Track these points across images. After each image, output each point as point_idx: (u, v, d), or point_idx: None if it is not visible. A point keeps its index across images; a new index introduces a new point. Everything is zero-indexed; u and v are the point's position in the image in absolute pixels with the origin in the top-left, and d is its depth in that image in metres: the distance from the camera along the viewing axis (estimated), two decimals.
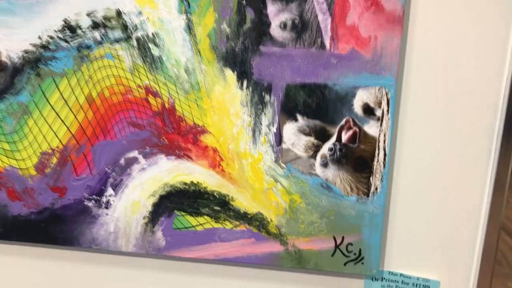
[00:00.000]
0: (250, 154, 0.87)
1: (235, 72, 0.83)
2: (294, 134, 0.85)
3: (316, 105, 0.83)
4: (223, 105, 0.85)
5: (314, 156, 0.85)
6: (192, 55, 0.83)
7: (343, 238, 0.89)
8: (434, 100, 0.82)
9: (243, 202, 0.90)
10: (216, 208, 0.91)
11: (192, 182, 0.90)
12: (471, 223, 0.87)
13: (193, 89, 0.84)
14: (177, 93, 0.86)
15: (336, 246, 0.89)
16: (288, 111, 0.83)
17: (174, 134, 0.87)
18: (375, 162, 0.84)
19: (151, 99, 0.86)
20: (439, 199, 0.87)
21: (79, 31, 0.86)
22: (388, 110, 0.81)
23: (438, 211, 0.88)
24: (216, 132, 0.86)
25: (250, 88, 0.83)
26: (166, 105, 0.86)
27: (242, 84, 0.83)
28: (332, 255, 0.90)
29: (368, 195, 0.85)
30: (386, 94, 0.80)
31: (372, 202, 0.86)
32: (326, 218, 0.89)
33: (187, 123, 0.87)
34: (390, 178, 0.86)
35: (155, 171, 0.90)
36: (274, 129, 0.85)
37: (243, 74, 0.83)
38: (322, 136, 0.85)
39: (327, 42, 0.79)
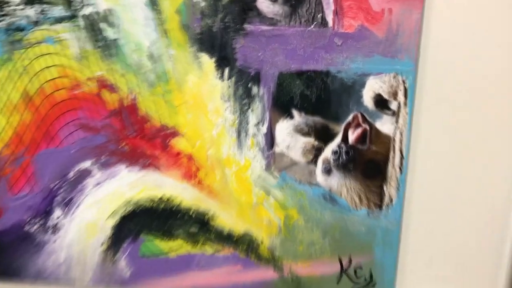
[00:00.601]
0: (235, 161, 0.76)
1: (214, 58, 0.71)
2: (290, 135, 0.74)
3: (316, 98, 0.72)
4: (199, 100, 0.73)
5: (314, 161, 0.75)
6: (157, 38, 0.71)
7: (350, 260, 0.78)
8: (461, 90, 0.71)
9: (227, 220, 0.78)
10: (193, 229, 0.79)
11: (161, 198, 0.78)
12: (497, 237, 0.77)
13: (160, 80, 0.72)
14: (139, 86, 0.73)
15: (343, 270, 0.79)
16: (281, 106, 0.73)
17: (136, 138, 0.75)
18: (389, 167, 0.73)
19: (105, 94, 0.73)
20: (463, 211, 0.77)
21: (7, 8, 0.71)
22: (405, 103, 0.70)
23: (461, 224, 0.78)
24: (191, 134, 0.75)
25: (233, 78, 0.72)
26: (125, 102, 0.74)
27: (222, 74, 0.72)
28: (338, 281, 0.79)
29: (381, 208, 0.75)
30: (404, 83, 0.69)
31: (386, 216, 0.75)
32: (330, 237, 0.78)
33: (153, 124, 0.75)
34: (408, 186, 0.76)
35: (114, 185, 0.77)
36: (264, 129, 0.74)
37: (224, 60, 0.71)
38: (324, 136, 0.74)
39: (330, 18, 0.68)
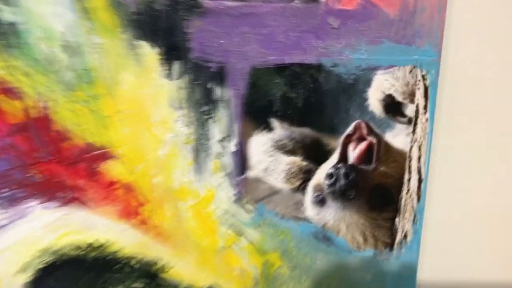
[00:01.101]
0: (191, 191, 0.67)
1: (157, 49, 0.61)
2: (268, 154, 0.68)
3: (304, 102, 0.65)
4: (139, 108, 0.62)
5: (302, 188, 0.69)
6: (75, 20, 0.59)
7: None
8: (500, 89, 0.62)
9: (183, 271, 0.70)
10: (138, 284, 0.69)
11: (92, 244, 0.67)
12: None
13: (81, 81, 0.60)
14: (52, 90, 0.61)
15: None
16: (255, 115, 0.66)
17: (52, 163, 0.63)
18: (403, 194, 0.66)
19: (4, 103, 0.62)
20: (494, 250, 0.70)
21: None
22: (426, 106, 0.62)
23: (492, 268, 0.70)
24: (129, 156, 0.64)
25: (187, 77, 0.62)
26: (33, 113, 0.62)
27: (170, 70, 0.62)
28: None
29: (392, 248, 0.68)
30: (423, 79, 0.62)
31: (398, 258, 0.69)
32: None
33: (75, 144, 0.63)
34: (427, 218, 0.69)
35: (24, 229, 0.66)
36: (232, 146, 0.66)
37: (172, 51, 0.61)
38: (315, 154, 0.69)
39: None
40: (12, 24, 0.57)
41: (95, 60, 0.61)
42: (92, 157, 0.64)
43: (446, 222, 0.69)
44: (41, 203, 0.66)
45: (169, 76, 0.62)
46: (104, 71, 0.61)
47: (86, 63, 0.61)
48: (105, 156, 0.64)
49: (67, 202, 0.66)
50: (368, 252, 0.69)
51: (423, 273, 0.71)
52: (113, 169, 0.65)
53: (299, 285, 0.69)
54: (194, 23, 0.59)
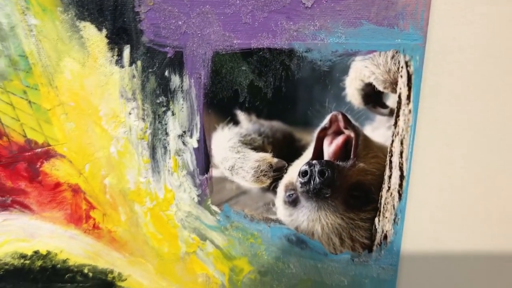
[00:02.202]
0: (149, 193, 0.64)
1: (104, 31, 0.57)
2: (234, 150, 0.65)
3: (274, 91, 0.62)
4: (85, 100, 0.59)
5: (273, 188, 0.66)
6: None
7: None
8: (490, 76, 0.58)
9: (142, 280, 0.67)
10: None
11: (37, 252, 0.65)
12: None
13: (17, 69, 0.57)
14: None
15: None
16: (219, 106, 0.63)
17: None
18: (383, 192, 0.63)
19: None
20: (480, 253, 0.67)
21: None
22: (409, 96, 0.59)
23: (477, 271, 0.67)
24: (76, 154, 0.62)
25: (139, 63, 0.59)
26: None
27: (121, 55, 0.58)
28: None
29: (370, 249, 0.65)
30: (407, 65, 0.58)
31: (378, 261, 0.66)
32: None
33: (13, 140, 0.60)
34: (409, 217, 0.65)
35: None
36: (193, 141, 0.63)
37: (122, 33, 0.58)
38: (286, 150, 0.67)
39: None
40: None
41: (32, 44, 0.55)
42: (34, 156, 0.61)
43: (429, 222, 0.66)
44: None
45: (119, 62, 0.58)
46: (43, 58, 0.56)
47: (22, 48, 0.57)
48: (49, 154, 0.60)
49: (7, 206, 0.62)
50: (345, 254, 0.65)
51: (404, 277, 0.69)
52: (58, 169, 0.61)
53: None
54: (146, 1, 0.55)
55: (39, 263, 0.64)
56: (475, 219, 0.65)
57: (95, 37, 0.56)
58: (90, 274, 0.65)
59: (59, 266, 0.64)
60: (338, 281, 0.67)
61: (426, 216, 0.65)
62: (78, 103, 0.58)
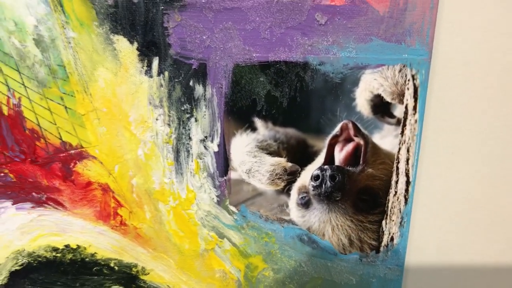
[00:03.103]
0: (172, 192, 0.65)
1: (136, 44, 0.59)
2: (251, 154, 0.66)
3: (290, 101, 0.63)
4: (116, 106, 0.61)
5: (287, 190, 0.67)
6: (48, 12, 0.56)
7: None
8: (493, 90, 0.60)
9: (163, 274, 0.69)
10: (117, 287, 0.69)
11: (68, 246, 0.67)
12: None
13: (56, 78, 0.59)
14: (24, 86, 0.59)
15: None
16: (239, 114, 0.64)
17: (25, 163, 0.62)
18: (390, 196, 0.63)
19: None
20: (485, 254, 0.68)
21: None
22: (415, 107, 0.60)
23: (482, 272, 0.68)
24: (106, 156, 0.63)
25: (166, 74, 0.60)
26: (5, 110, 0.60)
27: (150, 66, 0.60)
28: None
29: (378, 250, 0.66)
30: (413, 78, 0.59)
31: (384, 261, 0.67)
32: None
33: (50, 142, 0.62)
34: (414, 221, 0.67)
35: None
36: (214, 146, 0.64)
37: (151, 47, 0.60)
38: (300, 155, 0.68)
39: None
40: None
41: (70, 55, 0.58)
42: (68, 157, 0.63)
43: (434, 225, 0.67)
44: (14, 204, 0.65)
45: (148, 73, 0.60)
46: (79, 67, 0.58)
47: (60, 58, 0.59)
48: (82, 155, 0.62)
49: (42, 203, 0.65)
50: (354, 255, 0.67)
51: (409, 277, 0.70)
52: (90, 169, 0.63)
53: None
54: (174, 17, 0.57)
55: (69, 256, 0.66)
56: (477, 223, 0.66)
57: (127, 49, 0.57)
58: (116, 268, 0.67)
59: (87, 259, 0.66)
60: (347, 279, 0.68)
61: (431, 220, 0.66)
62: (110, 109, 0.59)
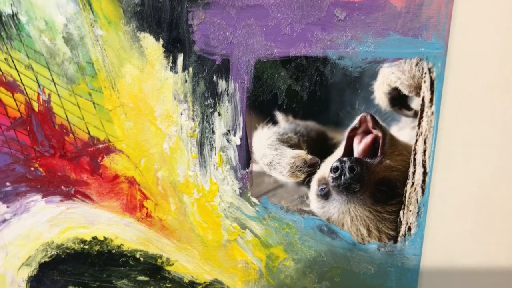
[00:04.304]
0: (196, 185, 0.66)
1: (161, 41, 0.60)
2: (273, 147, 0.67)
3: (310, 95, 0.63)
4: (142, 101, 0.62)
5: (307, 182, 0.67)
6: (77, 11, 0.57)
7: None
8: (507, 83, 0.60)
9: (187, 265, 0.69)
10: (142, 278, 0.70)
11: (95, 238, 0.68)
12: None
13: (84, 74, 0.60)
14: (54, 82, 0.60)
15: None
16: (260, 108, 0.65)
17: (55, 158, 0.63)
18: (408, 187, 0.64)
19: (4, 96, 0.61)
20: (500, 243, 0.68)
21: None
22: (431, 99, 0.60)
23: (497, 261, 0.68)
24: (133, 150, 0.64)
25: (191, 69, 0.61)
26: (35, 106, 0.61)
27: (175, 63, 0.61)
28: None
29: (395, 240, 0.66)
30: (430, 72, 0.59)
31: (402, 251, 0.67)
32: (329, 281, 0.70)
33: (78, 137, 0.63)
34: (431, 211, 0.67)
35: (27, 223, 0.67)
36: (236, 139, 0.65)
37: (176, 43, 0.61)
38: (319, 148, 0.68)
39: None
40: (12, 16, 0.56)
41: (98, 52, 0.59)
42: (96, 151, 0.64)
43: (450, 215, 0.68)
44: (44, 197, 0.66)
45: (173, 69, 0.61)
46: (107, 64, 0.60)
47: (89, 56, 0.60)
48: (109, 150, 0.64)
49: (69, 196, 0.66)
50: (373, 244, 0.67)
51: (426, 266, 0.71)
52: (117, 163, 0.65)
53: (304, 277, 0.69)
54: (198, 15, 0.59)
55: (96, 248, 0.67)
56: (492, 211, 0.67)
57: (153, 46, 0.59)
58: (142, 259, 0.68)
59: (114, 251, 0.67)
60: (365, 269, 0.68)
61: (447, 209, 0.66)
62: (137, 105, 0.61)
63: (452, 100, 0.62)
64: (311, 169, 0.66)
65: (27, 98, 0.59)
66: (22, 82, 0.58)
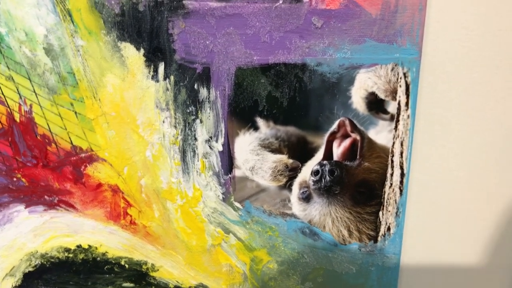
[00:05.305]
0: (179, 191, 0.66)
1: (142, 50, 0.60)
2: (254, 152, 0.67)
3: (289, 101, 0.64)
4: (124, 110, 0.61)
5: (288, 186, 0.68)
6: (58, 22, 0.57)
7: None
8: (479, 86, 0.62)
9: (172, 270, 0.69)
10: (127, 284, 0.69)
11: (79, 246, 0.67)
12: None
13: (65, 84, 0.60)
14: (35, 93, 0.60)
15: None
16: (241, 115, 0.65)
17: (37, 167, 0.63)
18: (386, 188, 0.64)
19: None
20: (477, 241, 0.69)
21: None
22: (407, 103, 0.61)
23: (474, 258, 0.70)
24: (116, 158, 0.64)
25: (172, 78, 0.61)
26: (17, 117, 0.61)
27: (156, 71, 0.61)
28: None
29: (376, 240, 0.67)
30: (405, 76, 0.60)
31: (382, 250, 0.68)
32: (312, 282, 0.70)
33: (60, 147, 0.62)
34: (409, 211, 0.68)
35: (10, 234, 0.66)
36: (219, 145, 0.65)
37: (157, 52, 0.61)
38: (300, 152, 0.69)
39: None
40: None
41: (79, 63, 0.59)
42: (78, 160, 0.63)
43: (427, 215, 0.69)
44: (27, 207, 0.65)
45: (154, 77, 0.60)
46: (87, 74, 0.59)
47: (70, 66, 0.59)
48: (92, 158, 0.63)
49: (53, 205, 0.65)
50: (353, 245, 0.68)
51: (406, 264, 0.72)
52: (100, 172, 0.64)
53: (287, 279, 0.69)
54: (178, 24, 0.58)
55: (81, 256, 0.66)
56: (468, 211, 0.68)
57: (133, 55, 0.58)
58: (126, 266, 0.67)
59: (99, 258, 0.66)
60: (347, 269, 0.68)
61: (425, 209, 0.67)
62: (119, 113, 0.60)
63: (427, 104, 0.63)
64: (292, 173, 0.66)
65: (8, 109, 0.58)
66: (3, 93, 0.57)
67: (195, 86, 0.61)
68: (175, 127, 0.62)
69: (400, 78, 0.61)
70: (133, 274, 0.67)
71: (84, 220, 0.65)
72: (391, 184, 0.64)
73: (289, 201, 0.68)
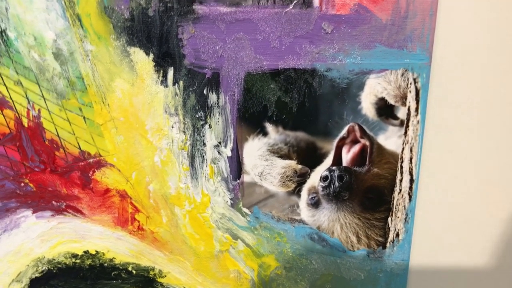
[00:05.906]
0: (188, 197, 0.65)
1: (152, 55, 0.59)
2: (263, 158, 0.66)
3: (299, 106, 0.63)
4: (133, 115, 0.61)
5: (297, 191, 0.67)
6: (67, 27, 0.56)
7: None
8: (490, 92, 0.61)
9: (180, 277, 0.68)
10: None
11: (87, 252, 0.67)
12: None
13: (74, 89, 0.59)
14: (44, 98, 0.59)
15: None
16: (250, 120, 0.64)
17: (45, 173, 0.62)
18: (395, 194, 0.64)
19: None
20: (486, 248, 0.68)
21: None
22: (417, 109, 0.61)
23: (485, 265, 0.69)
24: (124, 163, 0.63)
25: (181, 83, 0.61)
26: (25, 122, 0.60)
27: (165, 77, 0.60)
28: None
29: (384, 246, 0.67)
30: (415, 82, 0.60)
31: (390, 256, 0.67)
32: None
33: (69, 152, 0.62)
34: (418, 217, 0.67)
35: (17, 239, 0.65)
36: (227, 151, 0.64)
37: (167, 57, 0.60)
38: (309, 157, 0.67)
39: None
40: (1, 32, 0.55)
41: (88, 67, 0.58)
42: (86, 166, 0.63)
43: (436, 221, 0.68)
44: (34, 212, 0.64)
45: (163, 82, 0.60)
46: (97, 79, 0.59)
47: (79, 71, 0.59)
48: (100, 164, 0.62)
49: (61, 211, 0.65)
50: (362, 251, 0.67)
51: (414, 271, 0.71)
52: (108, 177, 0.63)
53: (295, 285, 0.68)
54: (188, 29, 0.57)
55: (88, 262, 0.65)
56: (477, 217, 0.67)
57: (143, 60, 0.58)
58: (134, 272, 0.66)
59: (106, 264, 0.66)
60: (355, 275, 0.68)
61: (434, 215, 0.67)
62: (127, 119, 0.60)
63: (437, 109, 0.62)
64: (301, 178, 0.66)
65: (16, 114, 0.57)
66: (11, 98, 0.56)
67: (204, 91, 0.60)
68: (184, 132, 0.62)
69: (410, 83, 0.60)
70: (141, 280, 0.66)
71: (91, 226, 0.64)
72: (400, 190, 0.64)
73: (298, 207, 0.68)
